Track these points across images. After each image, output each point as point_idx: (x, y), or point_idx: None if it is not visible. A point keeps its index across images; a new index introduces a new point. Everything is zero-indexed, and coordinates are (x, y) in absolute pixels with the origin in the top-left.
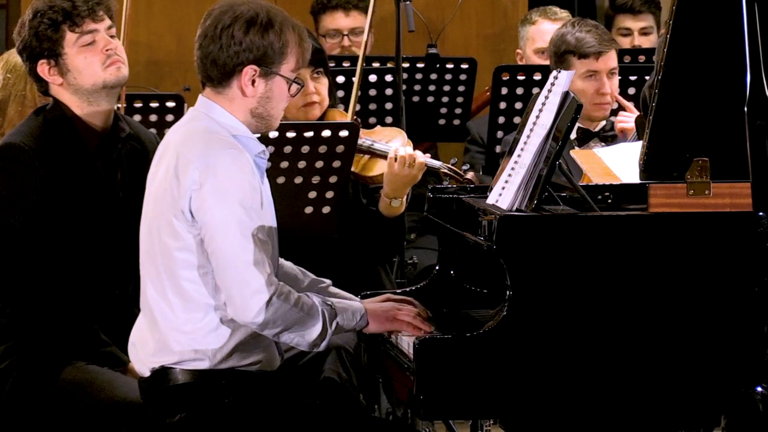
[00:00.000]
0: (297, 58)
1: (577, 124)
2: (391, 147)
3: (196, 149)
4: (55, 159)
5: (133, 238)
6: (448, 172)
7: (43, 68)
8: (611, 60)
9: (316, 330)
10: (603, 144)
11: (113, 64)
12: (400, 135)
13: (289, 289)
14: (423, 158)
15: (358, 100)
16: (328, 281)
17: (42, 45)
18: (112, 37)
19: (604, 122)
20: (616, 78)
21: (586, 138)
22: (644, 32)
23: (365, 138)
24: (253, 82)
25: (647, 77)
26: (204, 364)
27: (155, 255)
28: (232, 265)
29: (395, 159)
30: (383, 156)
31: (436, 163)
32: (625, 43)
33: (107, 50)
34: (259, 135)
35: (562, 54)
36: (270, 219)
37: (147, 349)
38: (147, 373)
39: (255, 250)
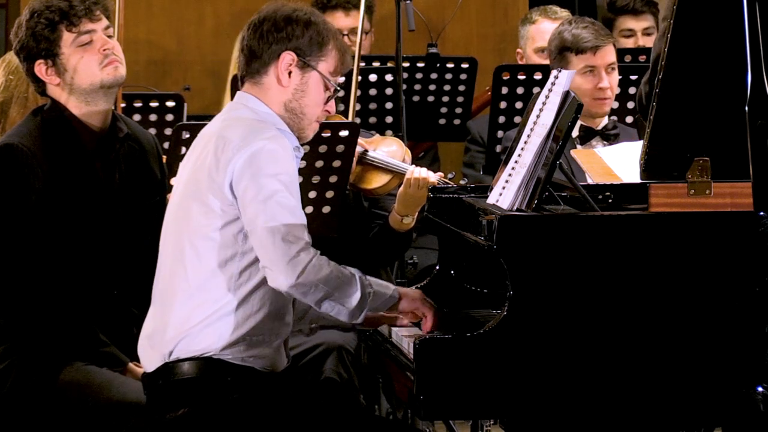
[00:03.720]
0: (336, 62)
1: (579, 122)
2: (391, 161)
3: (239, 132)
4: (53, 159)
5: (131, 238)
6: (443, 185)
7: (40, 68)
8: (609, 54)
9: (356, 297)
10: (605, 142)
11: (111, 64)
12: (396, 144)
13: (326, 258)
14: (436, 179)
15: (357, 99)
16: None
17: (39, 45)
18: (109, 36)
19: (606, 120)
20: (616, 73)
21: (588, 136)
22: (647, 32)
23: (372, 150)
24: (290, 73)
25: None
26: (212, 349)
27: (182, 241)
28: (273, 232)
29: (410, 180)
30: (384, 169)
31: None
32: (629, 44)
33: (104, 50)
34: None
35: (560, 52)
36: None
37: (159, 339)
38: (152, 368)
39: (294, 220)
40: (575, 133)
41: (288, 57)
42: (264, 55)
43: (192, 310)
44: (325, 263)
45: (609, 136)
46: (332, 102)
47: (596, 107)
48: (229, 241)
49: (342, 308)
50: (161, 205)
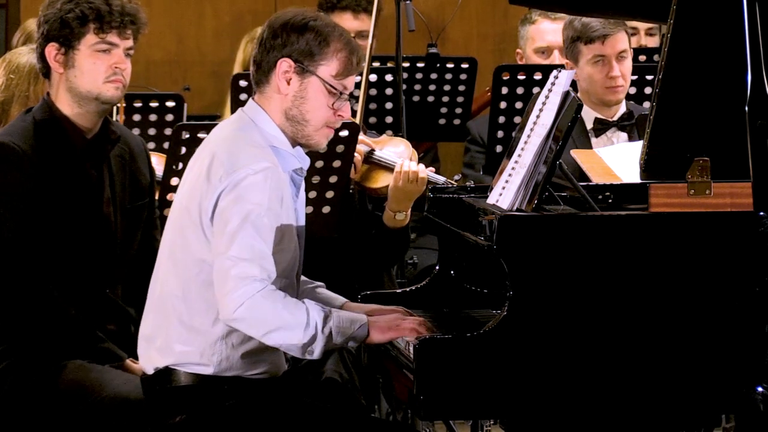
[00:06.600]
0: (340, 65)
1: (595, 114)
2: (398, 161)
3: (231, 155)
4: (45, 159)
5: (122, 239)
6: (443, 186)
7: (50, 50)
8: (619, 43)
9: (305, 335)
10: (621, 133)
11: (114, 83)
12: (403, 144)
13: (274, 290)
14: (426, 173)
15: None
16: (318, 283)
17: (62, 30)
18: (127, 56)
19: (622, 110)
20: (628, 60)
21: (604, 128)
22: (650, 32)
23: (378, 150)
24: (289, 80)
25: (648, 77)
26: (208, 370)
27: (175, 252)
28: (221, 260)
29: (400, 174)
30: (390, 168)
31: (440, 179)
32: (631, 42)
33: (116, 67)
34: (303, 151)
35: (571, 42)
36: (290, 238)
37: (155, 346)
38: (151, 371)
39: (249, 251)
40: (590, 125)
41: (284, 64)
42: (264, 64)
43: (188, 334)
44: (272, 299)
45: (625, 127)
46: (347, 106)
47: (609, 95)
48: None
49: (291, 345)
50: (150, 207)
